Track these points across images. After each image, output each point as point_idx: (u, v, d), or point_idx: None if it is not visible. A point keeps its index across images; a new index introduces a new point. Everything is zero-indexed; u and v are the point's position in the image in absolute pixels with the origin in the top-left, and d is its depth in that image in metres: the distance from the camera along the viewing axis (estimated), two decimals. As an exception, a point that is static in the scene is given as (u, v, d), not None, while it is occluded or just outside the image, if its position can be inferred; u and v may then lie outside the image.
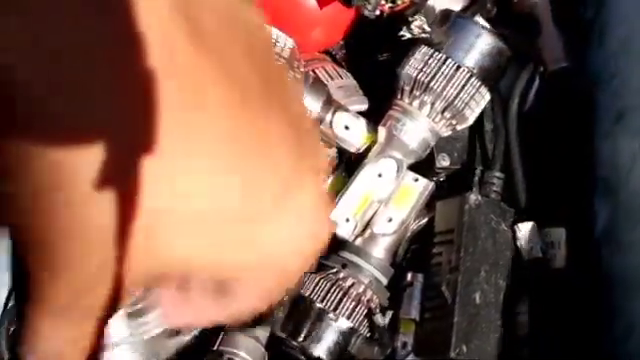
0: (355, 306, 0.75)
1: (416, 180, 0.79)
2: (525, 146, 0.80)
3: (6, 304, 0.73)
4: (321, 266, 0.77)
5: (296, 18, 0.81)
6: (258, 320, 0.70)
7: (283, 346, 0.76)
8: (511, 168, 0.80)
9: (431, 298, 0.75)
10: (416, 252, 0.79)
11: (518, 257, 0.77)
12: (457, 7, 0.84)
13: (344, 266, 0.76)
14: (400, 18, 0.83)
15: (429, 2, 0.83)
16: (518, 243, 0.77)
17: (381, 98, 0.81)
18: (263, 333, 0.76)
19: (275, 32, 0.76)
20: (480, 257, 0.75)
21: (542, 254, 0.77)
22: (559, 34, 0.83)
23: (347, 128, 0.80)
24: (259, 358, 0.75)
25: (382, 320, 0.74)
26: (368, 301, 0.76)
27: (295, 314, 0.75)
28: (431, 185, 0.79)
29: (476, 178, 0.81)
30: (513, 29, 0.83)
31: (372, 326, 0.75)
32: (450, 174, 0.82)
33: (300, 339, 0.74)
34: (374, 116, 0.81)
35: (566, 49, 0.83)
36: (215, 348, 0.74)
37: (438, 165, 0.81)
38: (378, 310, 0.75)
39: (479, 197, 0.77)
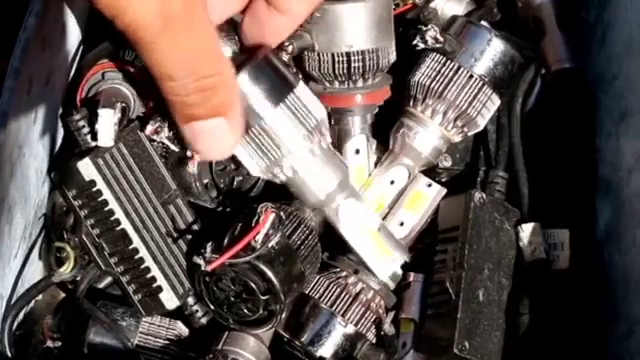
0: (364, 312, 0.75)
1: (429, 185, 0.79)
2: (528, 146, 0.81)
3: (10, 299, 0.73)
4: (330, 267, 0.77)
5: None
6: (263, 320, 0.70)
7: (287, 346, 0.76)
8: (514, 168, 0.80)
9: (434, 295, 0.75)
10: (417, 252, 0.78)
11: (521, 258, 0.77)
12: (461, 10, 0.85)
13: (356, 272, 0.76)
14: (409, 22, 0.83)
15: (431, 4, 0.83)
16: (521, 243, 0.77)
17: (390, 105, 0.81)
18: (267, 333, 0.76)
19: None
20: (484, 255, 0.75)
21: (545, 255, 0.77)
22: (562, 36, 0.84)
23: (357, 152, 0.80)
24: (263, 358, 0.75)
25: (390, 328, 0.74)
26: (377, 307, 0.76)
27: (302, 316, 0.75)
28: (444, 191, 0.79)
29: (479, 178, 0.81)
30: (517, 31, 0.84)
31: (379, 332, 0.75)
32: (452, 175, 0.83)
33: (305, 341, 0.74)
34: (383, 122, 0.81)
35: (569, 50, 0.83)
36: (219, 347, 0.74)
37: (440, 165, 0.81)
38: (386, 315, 0.75)
39: (483, 195, 0.77)
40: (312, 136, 0.69)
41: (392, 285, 0.77)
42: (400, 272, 0.76)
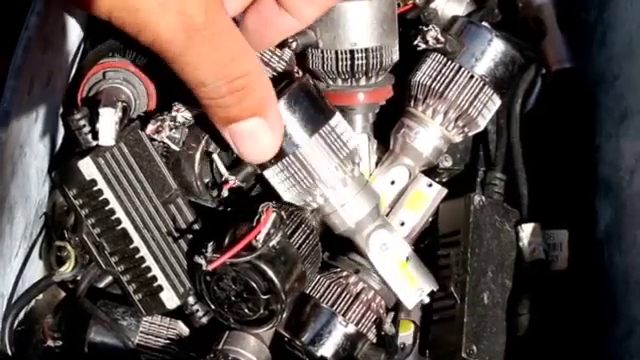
0: (365, 312, 0.75)
1: (430, 185, 0.79)
2: (528, 147, 0.81)
3: (10, 299, 0.73)
4: (330, 267, 0.77)
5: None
6: (263, 320, 0.70)
7: (287, 345, 0.76)
8: (514, 169, 0.80)
9: (439, 299, 0.75)
10: (418, 252, 0.78)
11: (520, 258, 0.78)
12: (461, 10, 0.85)
13: (357, 272, 0.76)
14: (409, 23, 0.83)
15: (432, 5, 0.83)
16: (520, 244, 0.77)
17: (391, 105, 0.81)
18: (268, 333, 0.76)
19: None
20: (486, 258, 0.75)
21: (544, 255, 0.77)
22: (563, 36, 0.84)
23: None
24: (264, 358, 0.75)
25: (391, 327, 0.74)
26: (377, 307, 0.76)
27: (303, 315, 0.75)
28: (445, 191, 0.79)
29: (479, 179, 0.81)
30: (518, 32, 0.84)
31: (380, 332, 0.75)
32: (453, 175, 0.83)
33: (306, 341, 0.74)
34: (384, 122, 0.81)
35: (570, 51, 0.83)
36: (220, 347, 0.74)
37: (441, 165, 0.81)
38: (386, 315, 0.75)
39: (483, 198, 0.77)
40: (345, 166, 0.71)
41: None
42: (427, 300, 0.76)
